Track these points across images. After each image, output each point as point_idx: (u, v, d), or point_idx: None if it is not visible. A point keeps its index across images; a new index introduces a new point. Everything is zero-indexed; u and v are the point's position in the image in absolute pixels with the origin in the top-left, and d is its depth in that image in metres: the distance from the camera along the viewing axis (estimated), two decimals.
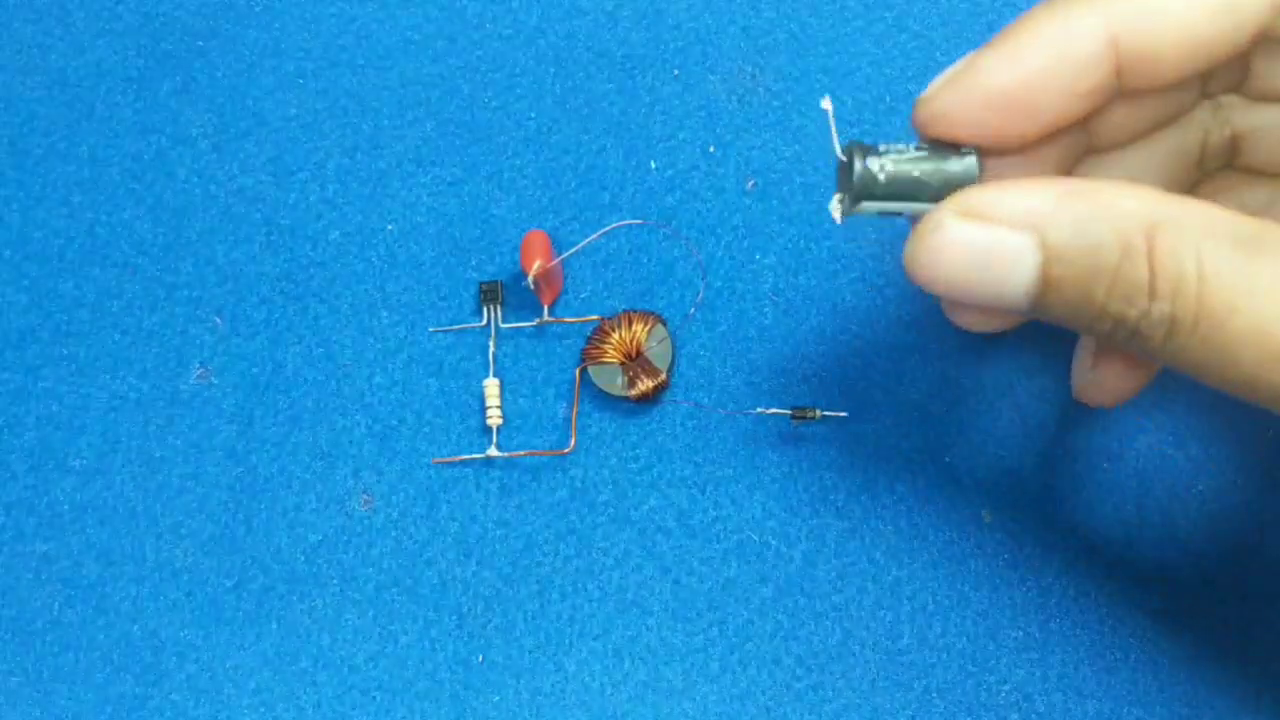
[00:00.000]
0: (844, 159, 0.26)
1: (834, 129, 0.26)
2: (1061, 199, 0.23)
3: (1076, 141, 0.27)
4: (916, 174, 0.25)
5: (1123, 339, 0.23)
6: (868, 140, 0.26)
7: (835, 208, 0.26)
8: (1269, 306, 0.21)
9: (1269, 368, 0.21)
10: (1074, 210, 0.22)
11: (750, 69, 0.41)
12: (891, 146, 0.25)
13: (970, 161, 0.25)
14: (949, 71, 0.25)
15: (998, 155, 0.25)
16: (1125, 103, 0.26)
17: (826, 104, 0.26)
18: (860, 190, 0.25)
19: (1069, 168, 0.27)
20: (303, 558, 0.36)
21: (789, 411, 0.34)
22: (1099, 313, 0.23)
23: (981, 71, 0.24)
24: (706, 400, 0.37)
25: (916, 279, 0.24)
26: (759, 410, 0.36)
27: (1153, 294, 0.22)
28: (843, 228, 0.35)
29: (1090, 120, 0.26)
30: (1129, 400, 0.31)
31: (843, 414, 0.35)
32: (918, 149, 0.25)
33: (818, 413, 0.34)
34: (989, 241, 0.23)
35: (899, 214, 0.26)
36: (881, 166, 0.25)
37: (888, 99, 0.40)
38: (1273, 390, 0.22)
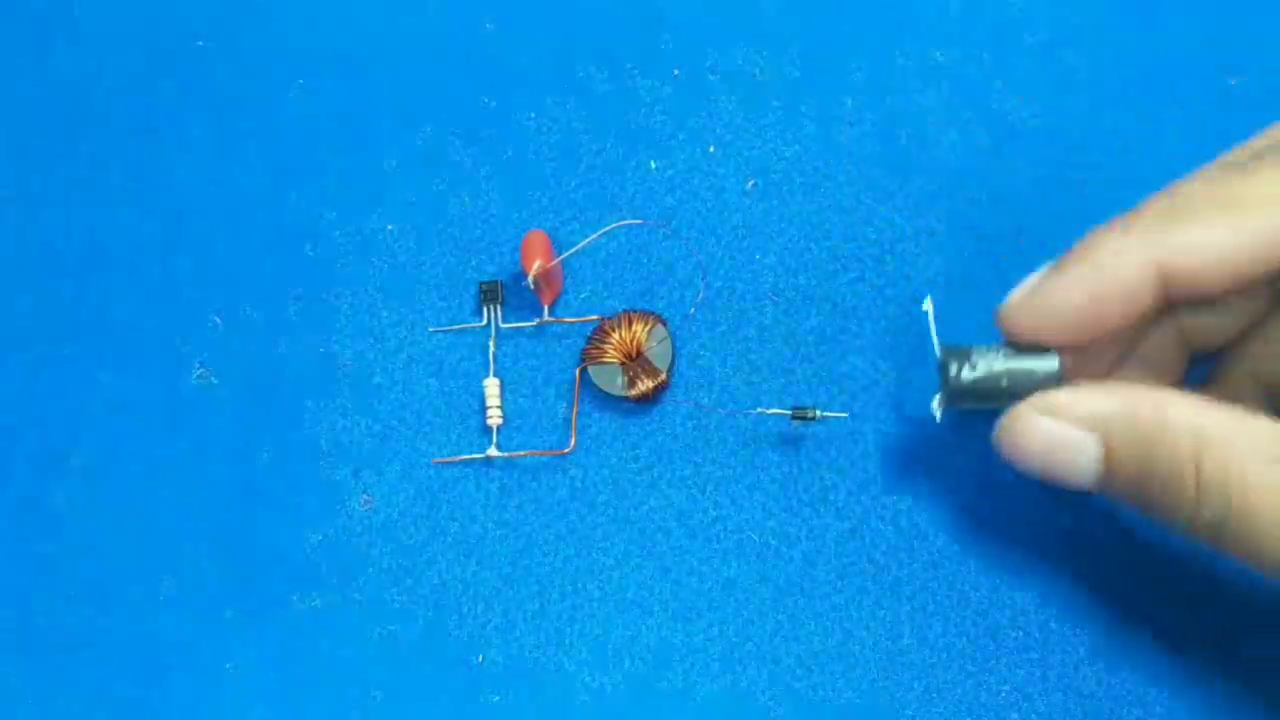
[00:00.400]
0: (942, 359, 0.30)
1: (934, 331, 0.31)
2: (1123, 410, 0.27)
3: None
4: (1005, 381, 0.30)
5: (1176, 527, 0.27)
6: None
7: (936, 408, 0.30)
8: None
9: None
10: (1132, 421, 0.27)
11: (750, 69, 0.41)
12: (980, 351, 0.30)
13: (1052, 365, 0.29)
14: (1025, 286, 0.29)
15: (1076, 351, 0.30)
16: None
17: (928, 306, 0.30)
18: (957, 394, 0.30)
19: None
20: (303, 558, 0.36)
21: (788, 412, 0.34)
22: (1152, 505, 0.27)
23: (1051, 295, 0.28)
24: (707, 400, 0.37)
25: (1004, 456, 0.29)
26: (759, 410, 0.36)
27: (1198, 494, 0.26)
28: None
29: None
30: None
31: (843, 414, 0.35)
32: (1005, 348, 0.30)
33: (817, 413, 0.34)
34: (1063, 435, 0.28)
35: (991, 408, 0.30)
36: (974, 374, 0.30)
37: (888, 99, 0.40)
38: None
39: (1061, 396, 0.28)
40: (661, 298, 0.38)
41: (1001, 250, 0.38)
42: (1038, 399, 0.29)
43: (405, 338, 0.38)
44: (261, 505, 0.36)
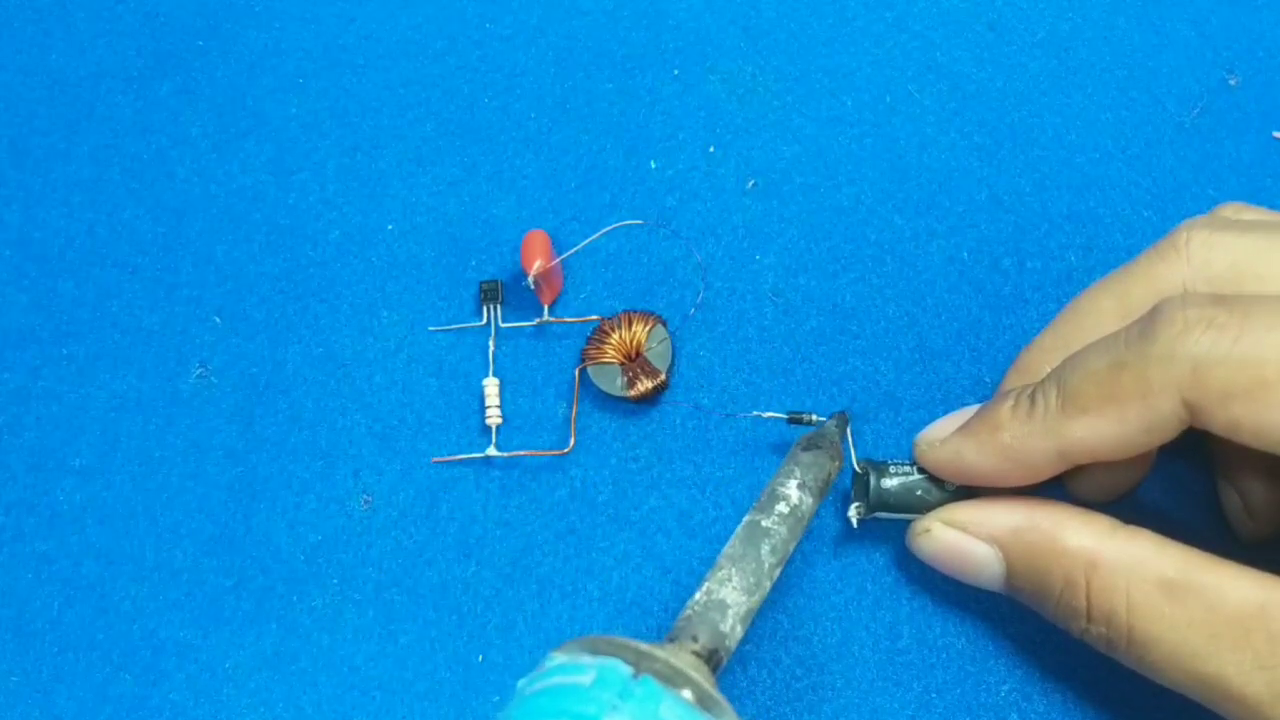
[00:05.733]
0: (860, 473, 0.33)
1: (853, 447, 0.33)
2: (1020, 529, 0.29)
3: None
4: (919, 492, 0.32)
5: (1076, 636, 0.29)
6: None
7: (853, 515, 0.33)
8: (1187, 643, 0.26)
9: (1189, 686, 0.27)
10: (1028, 541, 0.29)
11: (750, 69, 0.41)
12: (896, 466, 0.32)
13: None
14: (936, 431, 0.32)
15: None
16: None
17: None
18: (875, 504, 0.32)
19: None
20: (303, 558, 0.36)
21: (784, 415, 0.34)
22: (1049, 616, 0.30)
23: (960, 457, 0.31)
24: (706, 401, 0.37)
25: (917, 557, 0.32)
26: (755, 414, 0.36)
27: (1089, 619, 0.28)
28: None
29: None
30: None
31: (840, 415, 0.35)
32: (920, 469, 0.32)
33: (813, 418, 0.34)
34: (968, 548, 0.31)
35: (904, 518, 0.33)
36: (891, 486, 0.32)
37: (888, 99, 0.40)
38: (1198, 697, 0.27)
39: (965, 512, 0.31)
40: (661, 298, 0.38)
41: (1001, 250, 0.38)
42: (945, 512, 0.31)
43: (405, 337, 0.38)
44: (261, 505, 0.36)
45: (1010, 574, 0.30)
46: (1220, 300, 0.27)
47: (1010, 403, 0.30)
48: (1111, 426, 0.28)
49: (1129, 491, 0.32)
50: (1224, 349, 0.26)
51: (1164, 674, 0.27)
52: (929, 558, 0.32)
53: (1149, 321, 0.27)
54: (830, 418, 0.33)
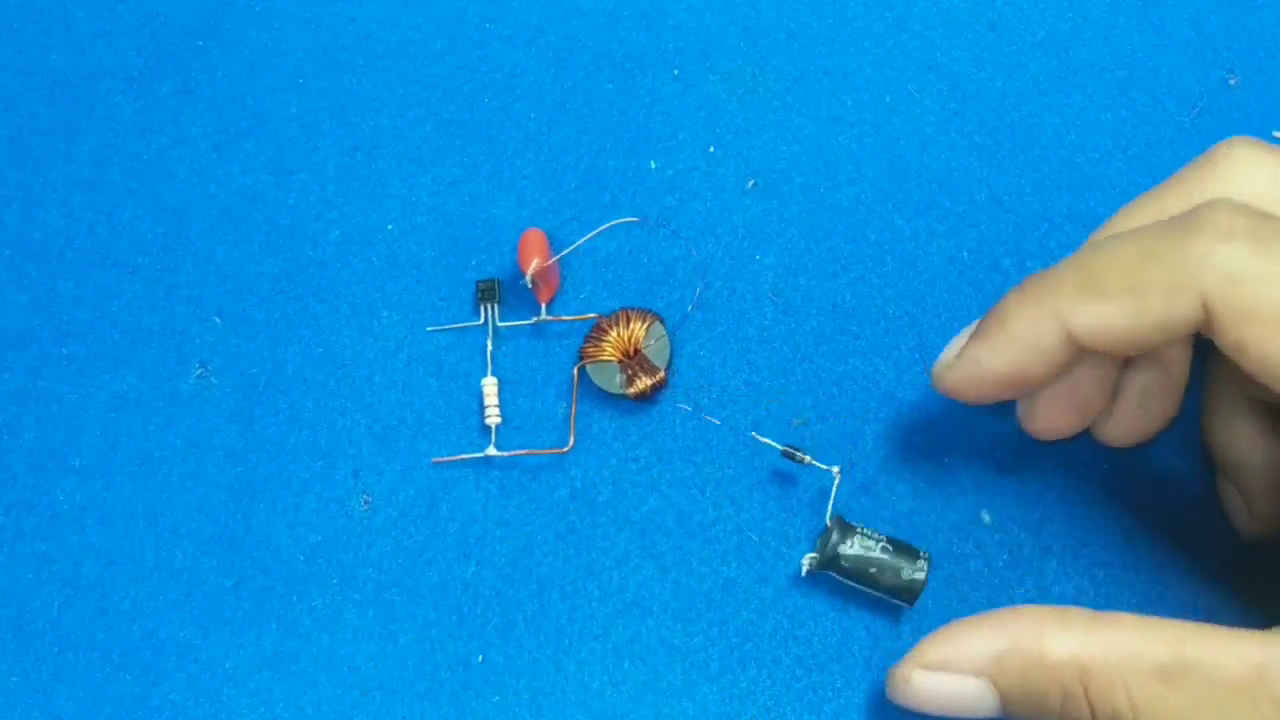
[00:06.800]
0: (829, 525, 0.33)
1: (833, 498, 0.33)
2: (1003, 653, 0.28)
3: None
4: (873, 569, 0.32)
5: None
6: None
7: (806, 564, 0.33)
8: (1188, 717, 0.26)
9: None
10: (1013, 666, 0.28)
11: (750, 69, 0.41)
12: (866, 534, 0.32)
13: (919, 575, 0.32)
14: (952, 350, 0.31)
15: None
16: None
17: (836, 472, 0.33)
18: (826, 562, 0.32)
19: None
20: (303, 558, 0.36)
21: (780, 446, 0.34)
22: None
23: (974, 363, 0.30)
24: (706, 401, 0.37)
25: (904, 707, 0.30)
26: (754, 435, 0.35)
27: None
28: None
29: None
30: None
31: (832, 469, 0.35)
32: (888, 542, 0.32)
33: (807, 459, 0.34)
34: (953, 687, 0.29)
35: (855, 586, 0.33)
36: (850, 551, 0.32)
37: (888, 99, 0.40)
38: None
39: (939, 650, 0.29)
40: (660, 298, 0.38)
41: (1001, 250, 0.38)
42: (920, 656, 0.30)
43: (404, 337, 0.38)
44: (261, 505, 0.36)
45: (1005, 702, 0.29)
46: (1270, 218, 0.26)
47: (1017, 291, 0.29)
48: (1125, 316, 0.27)
49: (1158, 432, 0.32)
50: (1262, 267, 0.25)
51: None
52: (917, 707, 0.30)
53: (1191, 217, 0.26)
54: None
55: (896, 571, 0.32)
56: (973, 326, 0.31)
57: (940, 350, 0.35)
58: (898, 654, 0.34)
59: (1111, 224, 0.31)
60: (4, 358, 0.38)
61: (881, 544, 0.32)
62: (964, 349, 0.30)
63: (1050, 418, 0.32)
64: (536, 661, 0.35)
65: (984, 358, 0.30)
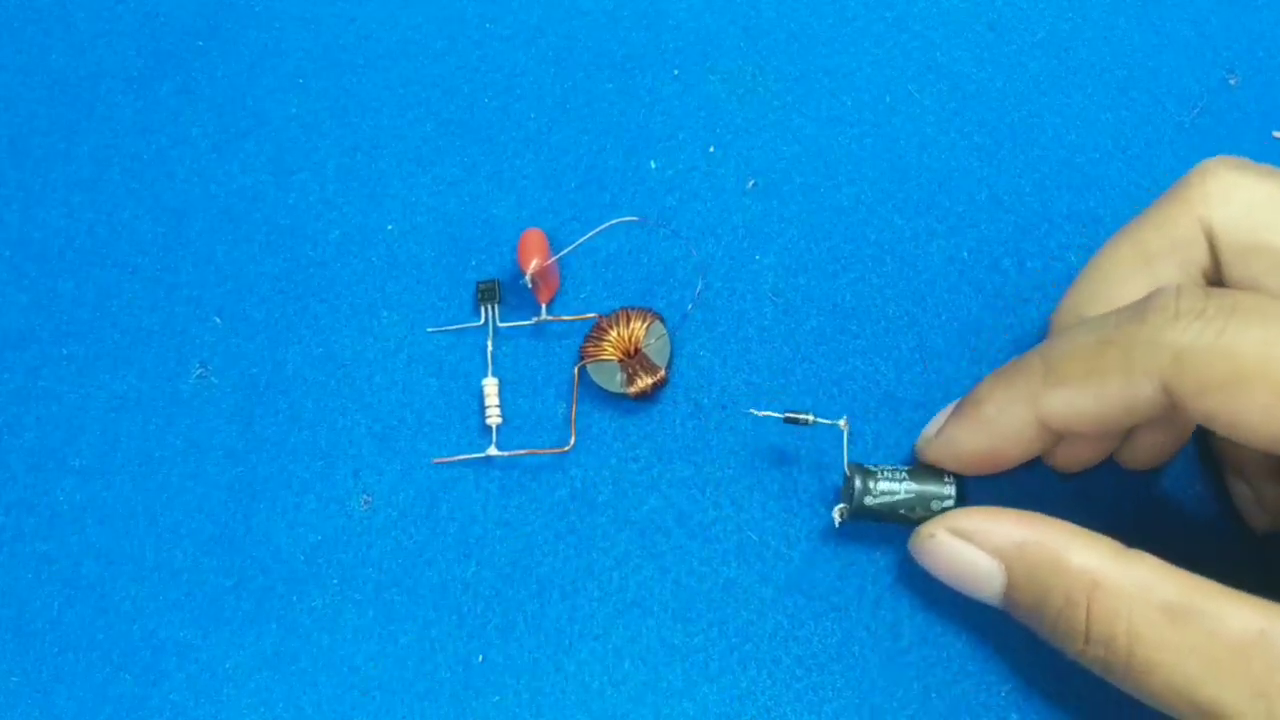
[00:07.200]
0: (848, 476, 0.33)
1: (846, 449, 0.33)
2: (1025, 545, 0.29)
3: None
4: (903, 509, 0.32)
5: (1071, 656, 0.29)
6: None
7: (837, 515, 0.33)
8: (1185, 668, 0.26)
9: (1184, 713, 0.27)
10: (1032, 557, 0.29)
11: (750, 69, 0.41)
12: (887, 473, 0.33)
13: (949, 490, 0.32)
14: (934, 426, 0.33)
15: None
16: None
17: (844, 424, 0.33)
18: (858, 508, 0.32)
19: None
20: (303, 558, 0.36)
21: (780, 415, 0.34)
22: (1046, 635, 0.29)
23: (952, 442, 0.32)
24: (706, 401, 0.37)
25: (919, 563, 0.32)
26: (751, 411, 0.36)
27: (1088, 640, 0.28)
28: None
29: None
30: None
31: (838, 422, 0.34)
32: (909, 471, 0.33)
33: (810, 418, 0.34)
34: (971, 559, 0.30)
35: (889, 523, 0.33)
36: (876, 491, 0.32)
37: (888, 99, 0.40)
38: None
39: (973, 522, 0.31)
40: (660, 298, 0.38)
41: (1001, 250, 0.38)
42: (953, 519, 0.31)
43: (405, 337, 0.38)
44: (261, 505, 0.36)
45: (1010, 587, 0.30)
46: (1213, 293, 0.27)
47: (991, 378, 0.31)
48: (1089, 401, 0.28)
49: (1172, 457, 0.33)
50: (1206, 340, 0.26)
51: (1159, 699, 0.27)
52: (931, 565, 0.32)
53: (1141, 306, 0.28)
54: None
55: (926, 503, 0.32)
56: (953, 405, 0.33)
57: (940, 350, 0.35)
58: (898, 654, 0.34)
59: (1089, 267, 0.32)
60: (4, 358, 0.38)
61: (905, 481, 0.33)
62: (942, 429, 0.32)
63: (1072, 452, 0.32)
64: (536, 661, 0.35)
65: (960, 439, 0.32)
